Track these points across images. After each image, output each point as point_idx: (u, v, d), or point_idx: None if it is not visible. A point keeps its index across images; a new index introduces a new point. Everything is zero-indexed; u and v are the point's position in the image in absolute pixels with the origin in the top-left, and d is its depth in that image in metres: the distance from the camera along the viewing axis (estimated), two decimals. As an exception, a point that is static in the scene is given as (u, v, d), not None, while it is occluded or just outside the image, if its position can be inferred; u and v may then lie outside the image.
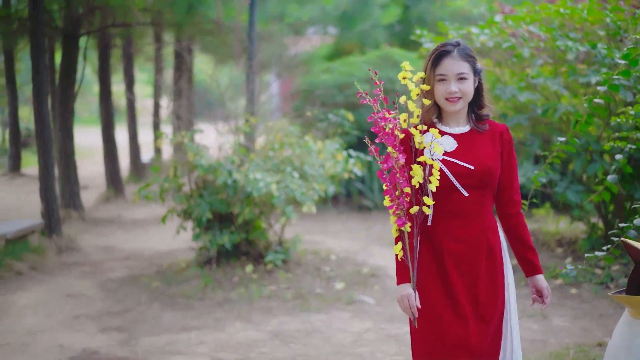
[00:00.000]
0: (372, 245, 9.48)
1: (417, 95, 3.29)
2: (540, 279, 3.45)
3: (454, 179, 3.28)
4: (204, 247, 8.01)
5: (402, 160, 3.20)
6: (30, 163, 17.25)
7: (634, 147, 5.15)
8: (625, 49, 4.93)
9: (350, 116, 9.01)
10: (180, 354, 5.70)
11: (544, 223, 9.79)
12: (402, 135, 3.26)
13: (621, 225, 4.49)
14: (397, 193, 3.23)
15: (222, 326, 6.39)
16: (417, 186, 3.25)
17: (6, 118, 19.18)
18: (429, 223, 3.36)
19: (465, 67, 3.28)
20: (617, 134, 5.38)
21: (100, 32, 13.10)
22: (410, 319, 3.33)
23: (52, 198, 9.36)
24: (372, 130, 3.28)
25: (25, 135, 20.54)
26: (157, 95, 17.02)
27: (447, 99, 3.30)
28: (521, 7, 8.34)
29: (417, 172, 3.21)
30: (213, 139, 8.52)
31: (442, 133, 3.37)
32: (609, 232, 4.64)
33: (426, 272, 3.35)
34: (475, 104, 3.39)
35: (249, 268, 7.79)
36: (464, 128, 3.38)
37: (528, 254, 3.43)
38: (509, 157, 3.39)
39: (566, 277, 4.82)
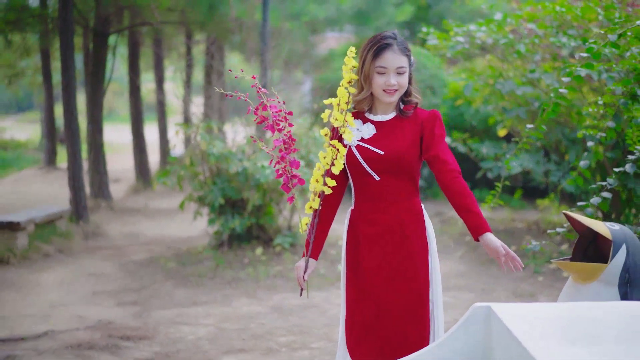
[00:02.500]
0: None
1: (349, 83, 3.37)
2: (490, 238, 3.28)
3: (365, 163, 3.41)
4: (218, 232, 8.58)
5: (281, 145, 3.35)
6: (66, 158, 17.95)
7: (604, 135, 5.53)
8: (588, 42, 5.32)
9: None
10: (187, 324, 6.22)
11: (547, 213, 10.17)
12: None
13: (579, 203, 4.91)
14: (286, 170, 3.40)
15: (229, 301, 6.90)
16: (327, 167, 3.39)
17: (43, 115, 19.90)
18: (352, 207, 3.54)
19: (404, 61, 3.39)
20: (587, 122, 5.76)
21: (129, 30, 13.71)
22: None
23: (79, 186, 9.99)
24: (255, 121, 3.45)
25: (63, 132, 21.24)
26: (186, 93, 17.64)
27: (385, 90, 3.40)
28: (525, 5, 8.73)
29: (328, 154, 3.39)
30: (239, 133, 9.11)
31: (365, 120, 3.50)
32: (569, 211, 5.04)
33: (347, 254, 3.53)
34: (405, 93, 3.49)
35: (259, 250, 8.34)
36: (388, 116, 3.49)
37: (468, 217, 3.31)
38: (431, 136, 3.43)
39: (530, 251, 5.23)
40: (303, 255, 3.53)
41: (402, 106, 3.52)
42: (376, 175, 3.42)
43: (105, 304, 6.95)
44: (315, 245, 3.51)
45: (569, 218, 4.13)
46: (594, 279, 3.94)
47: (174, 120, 19.51)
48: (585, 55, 5.18)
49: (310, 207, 3.47)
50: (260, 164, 8.00)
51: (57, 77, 17.39)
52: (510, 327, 2.63)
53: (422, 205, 3.55)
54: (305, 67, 17.64)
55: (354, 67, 3.37)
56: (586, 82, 7.80)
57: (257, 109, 3.38)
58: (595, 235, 4.14)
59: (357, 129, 3.48)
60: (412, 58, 3.48)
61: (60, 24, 9.83)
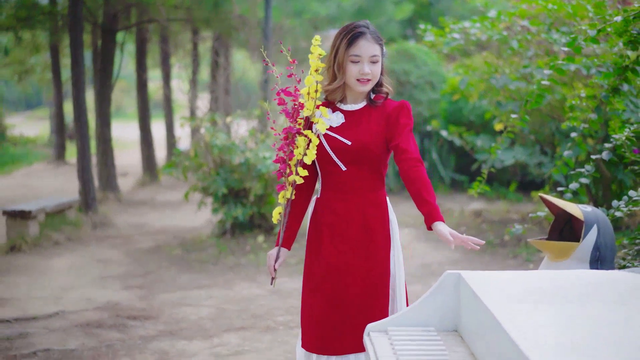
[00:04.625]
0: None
1: (316, 71, 3.37)
2: (441, 227, 3.21)
3: (332, 153, 3.41)
4: (222, 221, 8.93)
5: (289, 133, 3.41)
6: (75, 154, 18.25)
7: (586, 126, 5.81)
8: (570, 37, 5.61)
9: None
10: (190, 306, 6.54)
11: (542, 205, 10.44)
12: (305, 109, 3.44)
13: (559, 189, 5.20)
14: (284, 156, 3.45)
15: (230, 285, 7.23)
16: (299, 157, 3.40)
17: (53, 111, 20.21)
18: (318, 195, 3.55)
19: (377, 50, 3.37)
20: (570, 114, 6.03)
21: (137, 27, 14.03)
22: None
23: (88, 177, 10.34)
24: (275, 101, 3.45)
25: (72, 128, 21.54)
26: (192, 89, 17.91)
27: (358, 79, 3.38)
28: (521, 2, 8.99)
29: (300, 144, 3.38)
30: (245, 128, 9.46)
31: (335, 109, 3.49)
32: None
33: (308, 242, 3.56)
34: (376, 84, 3.48)
35: (260, 238, 8.68)
36: (358, 105, 3.47)
37: (422, 206, 3.25)
38: (395, 124, 3.40)
39: (513, 234, 5.50)
40: (277, 245, 3.57)
41: (372, 96, 3.50)
42: (343, 166, 3.43)
43: (112, 287, 7.27)
44: (288, 235, 3.54)
45: (544, 201, 4.44)
46: (567, 257, 4.25)
47: (180, 116, 19.82)
48: (566, 49, 5.46)
49: (284, 197, 3.50)
50: (262, 155, 8.35)
51: (66, 74, 17.74)
52: (476, 291, 2.86)
53: (387, 198, 3.55)
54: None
55: (320, 55, 3.36)
56: (579, 77, 8.09)
57: (282, 90, 3.42)
58: (570, 217, 4.45)
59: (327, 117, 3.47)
60: (384, 48, 3.47)
61: (70, 21, 10.17)
